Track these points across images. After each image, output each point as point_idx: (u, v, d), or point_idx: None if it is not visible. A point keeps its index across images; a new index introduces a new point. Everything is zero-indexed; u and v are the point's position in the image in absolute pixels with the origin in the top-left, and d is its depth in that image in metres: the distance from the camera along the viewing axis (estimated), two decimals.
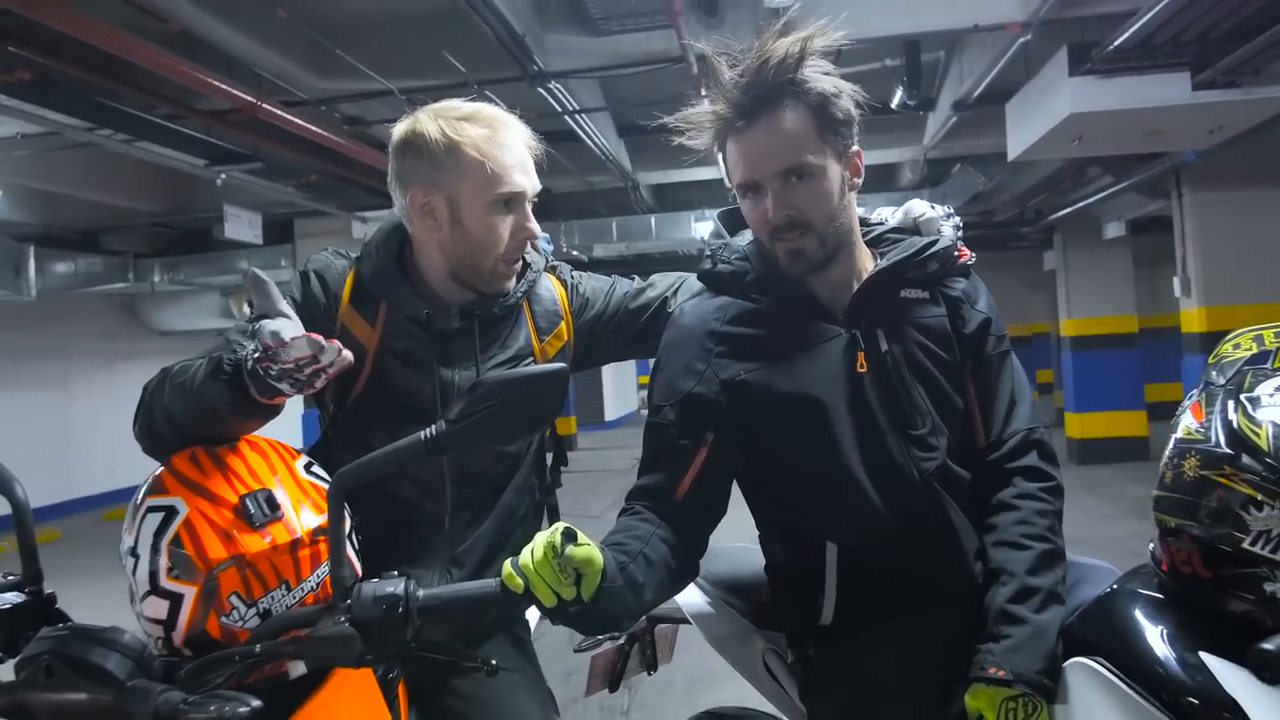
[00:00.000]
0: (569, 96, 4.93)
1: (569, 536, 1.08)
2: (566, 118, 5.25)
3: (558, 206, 8.48)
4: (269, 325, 1.15)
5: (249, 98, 4.37)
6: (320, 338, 1.13)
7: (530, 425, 1.11)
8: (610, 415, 16.81)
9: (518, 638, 1.61)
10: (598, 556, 1.10)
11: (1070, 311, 9.86)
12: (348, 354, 1.16)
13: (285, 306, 1.20)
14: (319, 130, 5.06)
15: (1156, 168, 6.40)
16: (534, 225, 1.46)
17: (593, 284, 1.63)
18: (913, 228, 1.46)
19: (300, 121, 4.85)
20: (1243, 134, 5.24)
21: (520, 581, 1.08)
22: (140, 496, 1.16)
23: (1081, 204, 8.06)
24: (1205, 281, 6.55)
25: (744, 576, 1.66)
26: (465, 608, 1.11)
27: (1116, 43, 4.16)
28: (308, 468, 1.24)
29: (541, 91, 4.68)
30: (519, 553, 1.10)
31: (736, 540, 1.72)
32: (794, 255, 1.33)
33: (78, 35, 3.51)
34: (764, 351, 1.34)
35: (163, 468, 1.19)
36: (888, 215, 1.51)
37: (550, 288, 1.59)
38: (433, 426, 1.06)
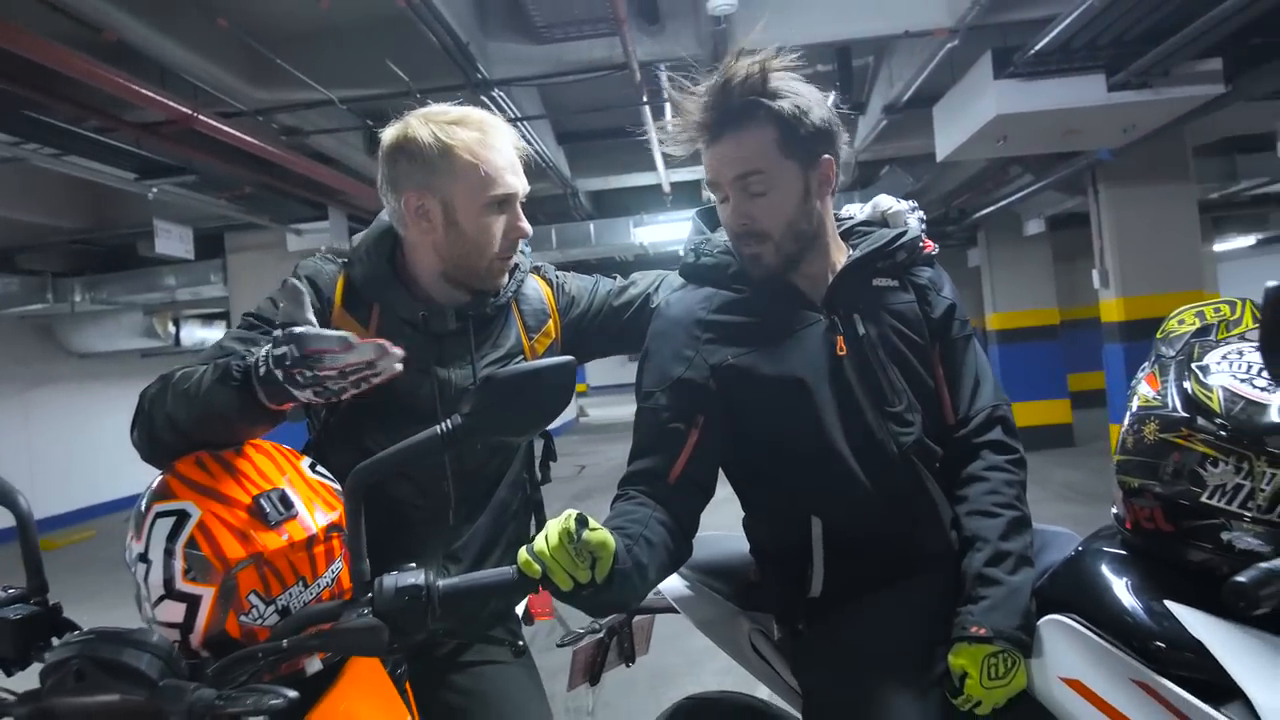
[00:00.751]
0: (512, 104, 4.95)
1: (582, 522, 1.13)
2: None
3: None
4: (317, 331, 1.17)
5: (184, 109, 4.27)
6: (386, 343, 1.16)
7: (541, 416, 1.15)
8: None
9: (509, 630, 1.64)
10: (611, 540, 1.15)
11: (995, 306, 10.24)
12: (399, 362, 1.18)
13: (314, 318, 1.22)
14: (255, 141, 4.96)
15: (1074, 166, 6.70)
16: (525, 224, 1.50)
17: (577, 283, 1.68)
18: (881, 220, 1.55)
19: (236, 133, 4.75)
20: (1153, 133, 5.54)
21: (537, 568, 1.12)
22: (145, 504, 1.16)
23: (1003, 202, 8.37)
24: (1122, 273, 6.87)
25: (724, 561, 1.72)
26: (483, 595, 1.15)
27: (1037, 47, 4.37)
28: (312, 467, 1.26)
29: (485, 100, 4.70)
30: (512, 547, 1.14)
31: (713, 530, 1.78)
32: (752, 260, 1.42)
33: (5, 46, 3.40)
34: (750, 337, 1.41)
35: (166, 474, 1.19)
36: (855, 210, 1.60)
37: (536, 287, 1.63)
38: (448, 420, 1.09)
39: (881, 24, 4.37)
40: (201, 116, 4.41)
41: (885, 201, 1.56)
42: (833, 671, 1.40)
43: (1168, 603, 1.15)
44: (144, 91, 3.98)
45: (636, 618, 2.00)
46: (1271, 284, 0.99)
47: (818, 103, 1.39)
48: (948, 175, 8.34)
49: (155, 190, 5.52)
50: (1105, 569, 1.27)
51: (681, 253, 1.55)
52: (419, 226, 1.48)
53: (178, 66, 4.18)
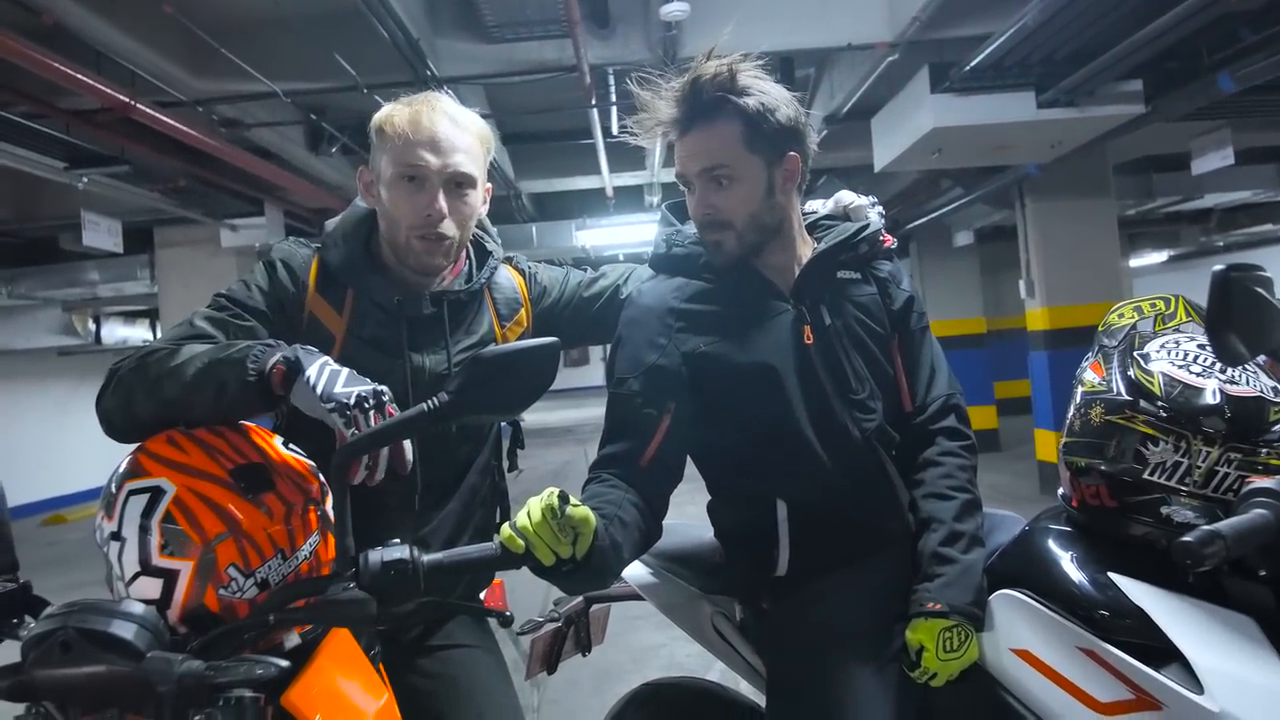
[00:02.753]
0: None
1: (564, 498, 1.16)
2: None
3: None
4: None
5: (121, 96, 4.14)
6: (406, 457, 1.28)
7: (526, 395, 1.18)
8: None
9: (475, 616, 1.65)
10: (592, 516, 1.19)
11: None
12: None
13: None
14: (193, 132, 4.83)
15: (1002, 180, 6.96)
16: (441, 206, 1.44)
17: (549, 273, 1.70)
18: (844, 215, 1.62)
19: (174, 123, 4.61)
20: (1078, 150, 5.80)
21: (521, 543, 1.15)
22: (116, 484, 1.15)
23: (935, 214, 8.62)
24: (1046, 284, 7.16)
25: (686, 547, 1.77)
26: (467, 570, 1.17)
27: (972, 63, 4.55)
28: (285, 445, 1.27)
29: None
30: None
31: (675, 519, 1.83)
32: (714, 247, 1.48)
33: None
34: (720, 326, 1.47)
35: (137, 453, 1.19)
36: (818, 206, 1.67)
37: (509, 277, 1.65)
38: (435, 398, 1.12)
39: (825, 36, 4.50)
40: (139, 105, 4.28)
41: (847, 197, 1.63)
42: (796, 648, 1.46)
43: (1111, 574, 1.23)
44: (79, 77, 3.84)
45: (594, 607, 2.03)
46: (1218, 268, 1.08)
47: (785, 102, 1.46)
48: (883, 186, 8.57)
49: (85, 180, 5.33)
50: (1052, 544, 1.36)
51: (653, 245, 1.59)
52: (368, 201, 1.53)
53: (115, 52, 4.05)
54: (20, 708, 1.02)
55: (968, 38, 4.48)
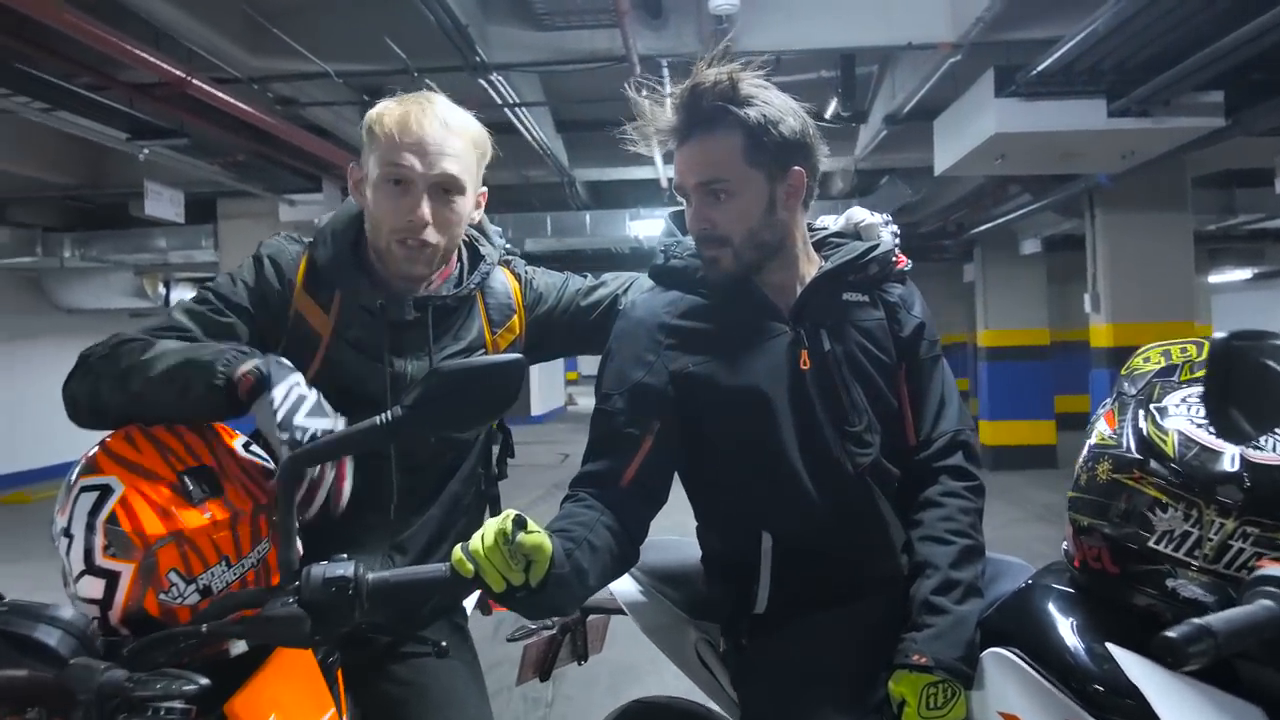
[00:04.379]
0: (509, 89, 4.91)
1: (519, 524, 1.11)
2: (506, 110, 5.23)
3: (492, 199, 8.38)
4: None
5: (178, 72, 4.23)
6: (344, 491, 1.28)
7: (485, 413, 1.13)
8: (537, 410, 16.75)
9: (456, 624, 1.62)
10: (547, 543, 1.13)
11: (987, 323, 10.25)
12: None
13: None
14: (249, 109, 4.91)
15: (1072, 189, 6.70)
16: (424, 212, 1.39)
17: (546, 279, 1.65)
18: (854, 233, 1.53)
19: (230, 99, 4.70)
20: (1152, 161, 5.54)
21: (470, 567, 1.10)
22: (74, 477, 1.14)
23: (1001, 220, 8.38)
24: (1113, 299, 6.88)
25: (678, 567, 1.70)
26: (414, 591, 1.13)
27: (1040, 68, 4.36)
28: (246, 446, 1.24)
29: (482, 83, 4.66)
30: (463, 540, 1.12)
31: (672, 534, 1.76)
32: (710, 264, 1.41)
33: None
34: (712, 345, 1.39)
35: (97, 449, 1.17)
36: (829, 222, 1.58)
37: (504, 281, 1.60)
38: (389, 411, 1.07)
39: (884, 34, 4.36)
40: (195, 81, 4.37)
41: (858, 214, 1.53)
42: (771, 688, 1.39)
43: (1109, 645, 1.13)
44: (137, 51, 3.93)
45: (591, 616, 1.98)
46: (1218, 335, 0.97)
47: (791, 113, 1.37)
48: (947, 189, 8.34)
49: (146, 151, 5.46)
50: (1051, 606, 1.25)
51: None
52: (356, 200, 1.50)
53: (173, 28, 4.13)
54: None
55: (1035, 40, 4.30)
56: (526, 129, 5.73)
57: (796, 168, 1.38)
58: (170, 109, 4.87)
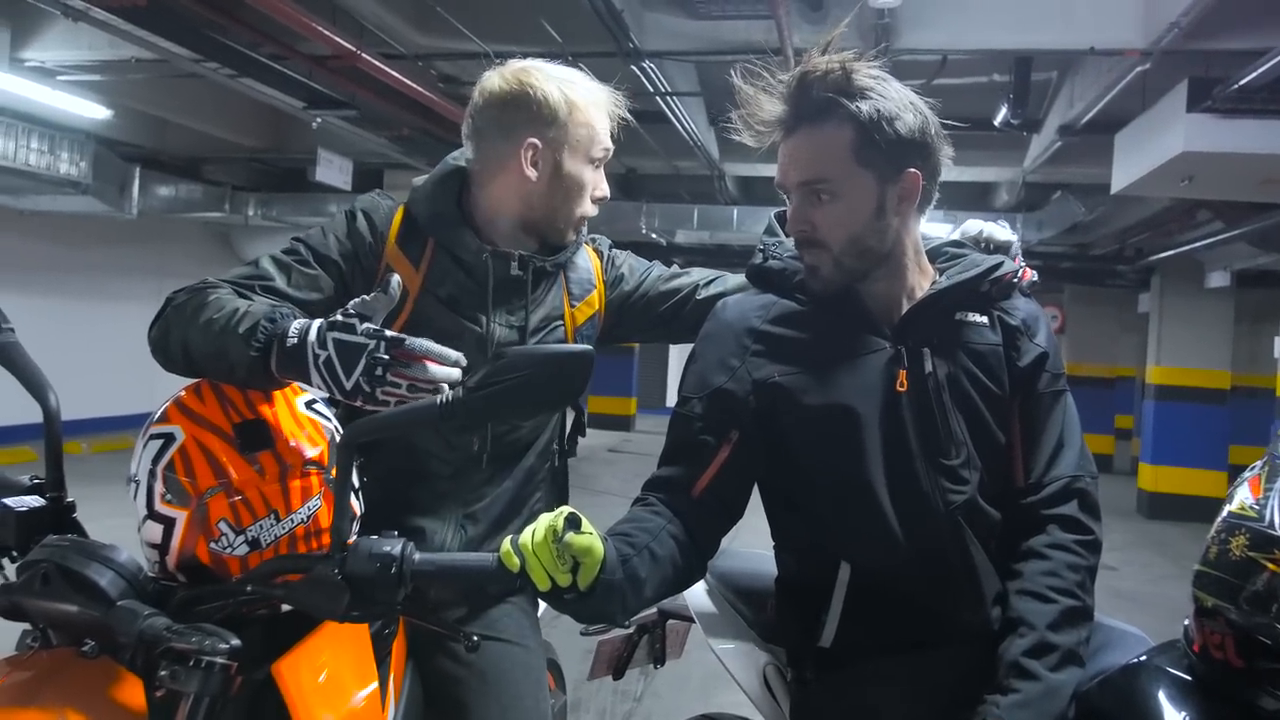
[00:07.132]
0: (662, 78, 4.88)
1: (572, 523, 1.05)
2: (658, 99, 5.21)
3: (640, 187, 8.44)
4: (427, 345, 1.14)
5: (350, 46, 4.44)
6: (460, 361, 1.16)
7: (548, 405, 1.09)
8: (673, 401, 16.74)
9: (523, 610, 1.60)
10: (598, 547, 1.07)
11: (1160, 359, 9.44)
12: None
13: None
14: (414, 85, 5.11)
15: (1271, 219, 6.04)
16: (606, 186, 1.56)
17: (631, 261, 1.67)
18: (980, 244, 1.39)
19: (397, 75, 4.91)
20: None
21: (517, 561, 1.05)
22: (147, 425, 1.18)
23: (1186, 248, 7.68)
24: None
25: (757, 584, 1.62)
26: (459, 578, 1.10)
27: (1242, 82, 3.92)
28: (309, 404, 1.25)
29: (635, 70, 4.65)
30: (535, 517, 1.08)
31: (759, 546, 1.68)
32: (810, 271, 1.31)
33: None
34: (802, 356, 1.30)
35: (171, 400, 1.20)
36: (941, 232, 1.46)
37: (586, 257, 1.62)
38: (449, 392, 1.04)
39: (1063, 37, 4.03)
40: (365, 55, 4.57)
41: (974, 227, 1.40)
42: None
43: None
44: (313, 24, 4.15)
45: (671, 621, 1.93)
46: None
47: (909, 109, 1.25)
48: (1126, 210, 7.72)
49: (319, 120, 5.78)
50: (1161, 693, 1.09)
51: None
52: (522, 173, 1.47)
53: (348, 4, 4.33)
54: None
55: (1238, 52, 3.86)
56: (678, 119, 5.69)
57: (912, 170, 1.26)
58: (342, 81, 5.12)
